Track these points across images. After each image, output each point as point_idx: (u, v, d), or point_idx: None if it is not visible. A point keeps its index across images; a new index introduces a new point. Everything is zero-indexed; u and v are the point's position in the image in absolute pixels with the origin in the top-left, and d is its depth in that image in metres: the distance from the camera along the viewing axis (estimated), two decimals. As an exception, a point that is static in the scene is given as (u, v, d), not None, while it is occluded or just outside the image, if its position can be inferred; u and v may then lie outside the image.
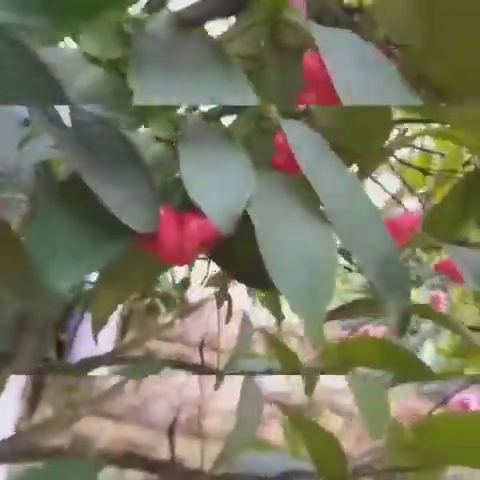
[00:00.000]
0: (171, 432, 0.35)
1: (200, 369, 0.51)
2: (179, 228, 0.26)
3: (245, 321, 0.58)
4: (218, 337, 0.56)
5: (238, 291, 0.74)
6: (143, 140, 0.28)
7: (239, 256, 0.29)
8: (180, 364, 0.52)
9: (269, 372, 0.65)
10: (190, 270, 1.09)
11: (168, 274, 1.10)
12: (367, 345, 0.38)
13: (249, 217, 0.29)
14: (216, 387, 0.51)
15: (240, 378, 0.45)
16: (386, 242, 0.24)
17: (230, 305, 0.57)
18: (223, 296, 0.66)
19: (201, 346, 0.47)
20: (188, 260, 0.28)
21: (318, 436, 0.32)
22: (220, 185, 0.22)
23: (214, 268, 0.98)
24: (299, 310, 0.20)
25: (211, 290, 1.03)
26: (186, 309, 0.91)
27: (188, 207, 0.27)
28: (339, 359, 0.42)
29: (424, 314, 0.38)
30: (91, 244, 0.23)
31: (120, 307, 1.24)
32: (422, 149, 0.67)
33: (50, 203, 0.23)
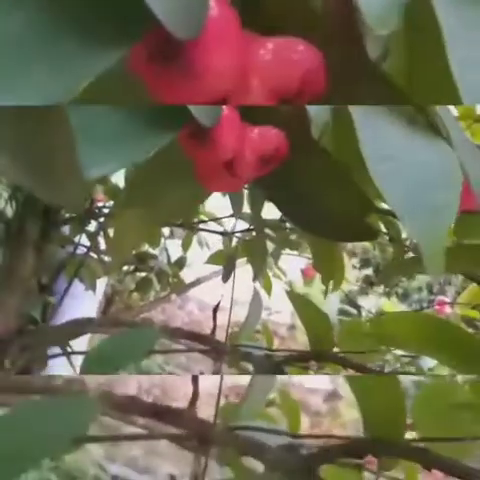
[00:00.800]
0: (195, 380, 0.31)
1: (204, 341, 0.45)
2: (239, 134, 0.21)
3: (255, 298, 0.53)
4: (229, 312, 0.50)
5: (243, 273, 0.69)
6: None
7: (298, 191, 0.24)
8: (181, 334, 0.47)
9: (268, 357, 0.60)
10: (185, 250, 1.04)
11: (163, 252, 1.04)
12: (410, 323, 0.33)
13: (312, 150, 0.24)
14: (219, 365, 0.46)
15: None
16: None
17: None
18: (229, 271, 0.60)
19: (215, 310, 0.42)
20: (237, 182, 0.23)
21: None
22: None
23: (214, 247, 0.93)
24: (415, 231, 0.15)
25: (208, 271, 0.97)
26: (183, 286, 0.85)
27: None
28: (371, 339, 0.37)
29: None
30: (136, 131, 0.18)
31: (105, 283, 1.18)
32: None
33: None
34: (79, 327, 0.52)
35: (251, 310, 0.52)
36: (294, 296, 0.38)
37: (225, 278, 0.60)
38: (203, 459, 0.29)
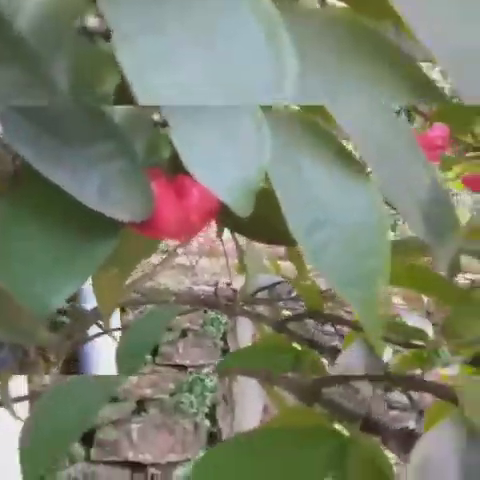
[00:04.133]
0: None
1: (219, 306, 0.49)
2: (177, 199, 0.21)
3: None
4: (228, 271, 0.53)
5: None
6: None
7: (251, 216, 0.25)
8: (197, 301, 0.50)
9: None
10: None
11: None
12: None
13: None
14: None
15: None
16: (430, 181, 0.20)
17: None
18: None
19: (216, 287, 0.44)
20: (194, 233, 0.24)
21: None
22: (227, 148, 0.17)
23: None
24: (354, 305, 0.16)
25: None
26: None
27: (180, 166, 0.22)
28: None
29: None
30: (75, 251, 0.18)
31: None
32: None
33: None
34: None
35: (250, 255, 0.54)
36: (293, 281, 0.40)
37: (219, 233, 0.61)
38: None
